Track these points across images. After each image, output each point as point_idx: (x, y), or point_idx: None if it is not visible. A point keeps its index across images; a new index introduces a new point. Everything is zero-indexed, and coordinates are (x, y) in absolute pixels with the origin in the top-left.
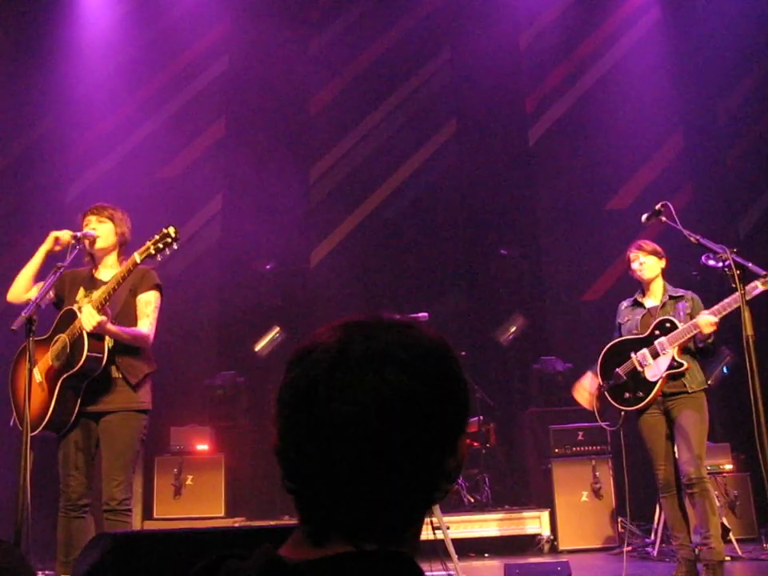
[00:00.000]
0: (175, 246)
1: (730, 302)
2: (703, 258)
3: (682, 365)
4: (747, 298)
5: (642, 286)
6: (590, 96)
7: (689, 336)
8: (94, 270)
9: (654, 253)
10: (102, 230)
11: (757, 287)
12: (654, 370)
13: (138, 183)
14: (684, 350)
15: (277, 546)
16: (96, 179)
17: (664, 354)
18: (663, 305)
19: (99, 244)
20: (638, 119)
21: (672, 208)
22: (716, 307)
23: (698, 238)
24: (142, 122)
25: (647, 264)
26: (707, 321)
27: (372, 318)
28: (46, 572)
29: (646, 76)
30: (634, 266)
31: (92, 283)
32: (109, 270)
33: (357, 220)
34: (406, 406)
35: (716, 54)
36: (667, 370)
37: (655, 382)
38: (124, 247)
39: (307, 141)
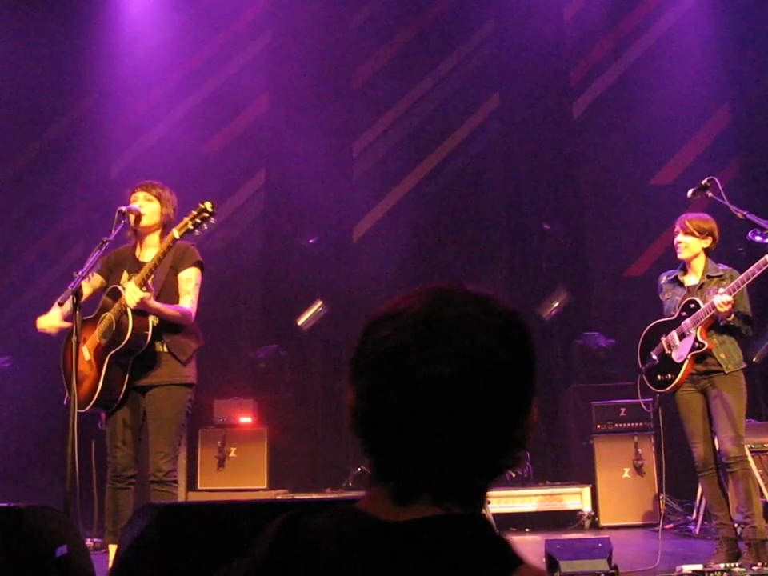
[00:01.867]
0: (212, 221)
1: (743, 279)
2: (750, 233)
3: (703, 345)
4: (758, 273)
5: (684, 263)
6: (635, 69)
7: (708, 316)
8: (137, 251)
9: (696, 232)
10: (148, 209)
11: (766, 262)
12: (680, 351)
13: (182, 158)
14: (721, 329)
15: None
16: (140, 154)
17: (689, 335)
18: (701, 285)
19: (144, 222)
20: (684, 93)
21: (719, 183)
22: (731, 285)
23: (744, 213)
24: (185, 97)
25: (684, 243)
26: (721, 300)
27: (455, 286)
28: (95, 539)
29: (693, 48)
30: (674, 242)
31: (135, 266)
32: (152, 251)
33: (400, 194)
34: (496, 369)
35: (765, 26)
36: (690, 351)
37: (681, 364)
38: (167, 227)
39: (350, 115)
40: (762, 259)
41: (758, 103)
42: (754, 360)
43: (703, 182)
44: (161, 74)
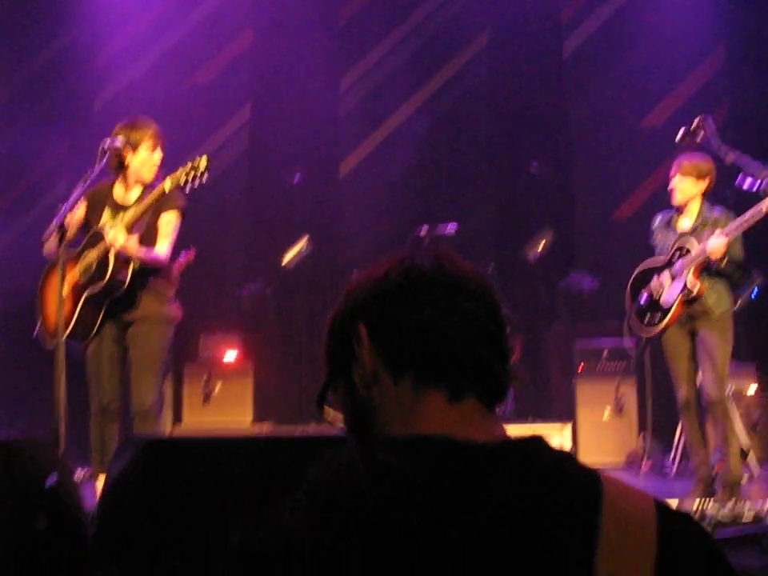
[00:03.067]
0: (206, 177)
1: (739, 224)
2: (739, 178)
3: (694, 288)
4: (753, 220)
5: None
6: (628, 7)
7: (701, 259)
8: (116, 190)
9: (695, 173)
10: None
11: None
12: (671, 293)
13: (165, 92)
14: (713, 273)
15: (303, 454)
16: (124, 87)
17: (680, 277)
18: (695, 228)
19: (149, 175)
20: (678, 33)
21: (712, 122)
22: (726, 229)
23: (733, 158)
24: (169, 30)
25: (680, 187)
26: (715, 245)
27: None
28: (85, 468)
29: None
30: (671, 185)
31: (117, 206)
32: (134, 192)
33: (387, 131)
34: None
35: None
36: (681, 293)
37: (671, 306)
38: None
39: (337, 50)
40: (758, 208)
41: (755, 44)
42: (737, 306)
43: (694, 123)
44: (144, 6)
